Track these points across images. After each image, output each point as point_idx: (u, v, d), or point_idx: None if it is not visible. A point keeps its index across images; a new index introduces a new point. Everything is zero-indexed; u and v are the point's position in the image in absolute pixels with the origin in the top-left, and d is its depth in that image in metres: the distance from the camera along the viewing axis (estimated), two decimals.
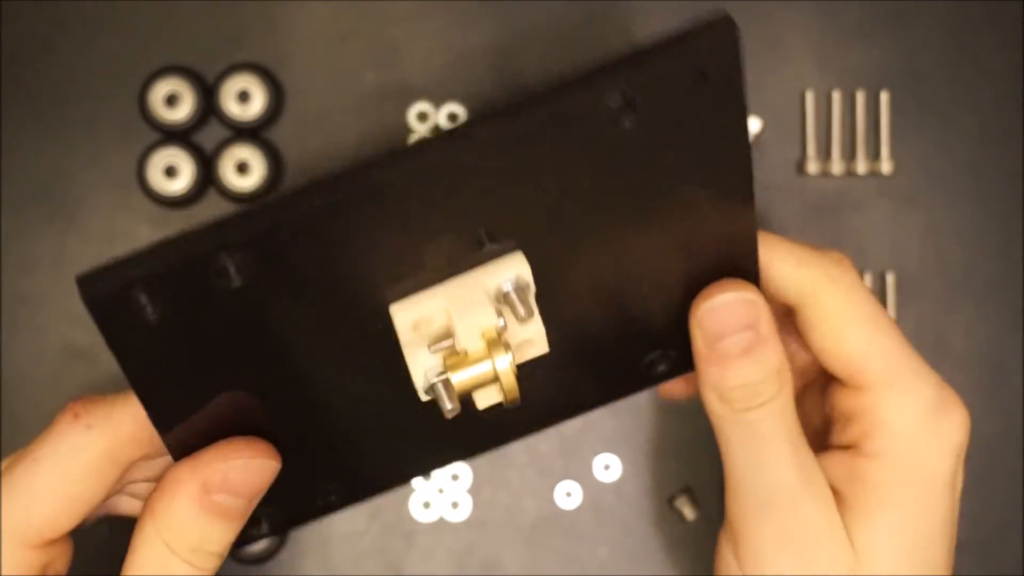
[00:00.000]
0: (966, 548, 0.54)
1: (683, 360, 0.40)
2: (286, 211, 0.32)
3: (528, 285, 0.35)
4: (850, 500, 0.39)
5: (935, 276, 0.55)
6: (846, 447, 0.40)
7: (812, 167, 0.54)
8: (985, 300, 0.55)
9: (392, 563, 0.54)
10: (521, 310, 0.34)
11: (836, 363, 0.40)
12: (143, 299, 0.32)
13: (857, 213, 0.55)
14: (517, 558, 0.54)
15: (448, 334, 0.35)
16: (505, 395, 0.35)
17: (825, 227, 0.55)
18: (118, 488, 0.39)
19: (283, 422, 0.37)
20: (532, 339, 0.37)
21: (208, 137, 0.54)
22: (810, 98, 0.55)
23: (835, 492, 0.40)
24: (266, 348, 0.35)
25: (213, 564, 0.36)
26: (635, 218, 0.36)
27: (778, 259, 0.39)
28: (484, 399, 0.37)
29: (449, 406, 0.35)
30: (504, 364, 0.35)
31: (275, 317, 0.34)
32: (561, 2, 0.54)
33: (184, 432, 0.36)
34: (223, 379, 0.35)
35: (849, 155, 0.55)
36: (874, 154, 0.55)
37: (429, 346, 0.35)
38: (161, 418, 0.35)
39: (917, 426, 0.39)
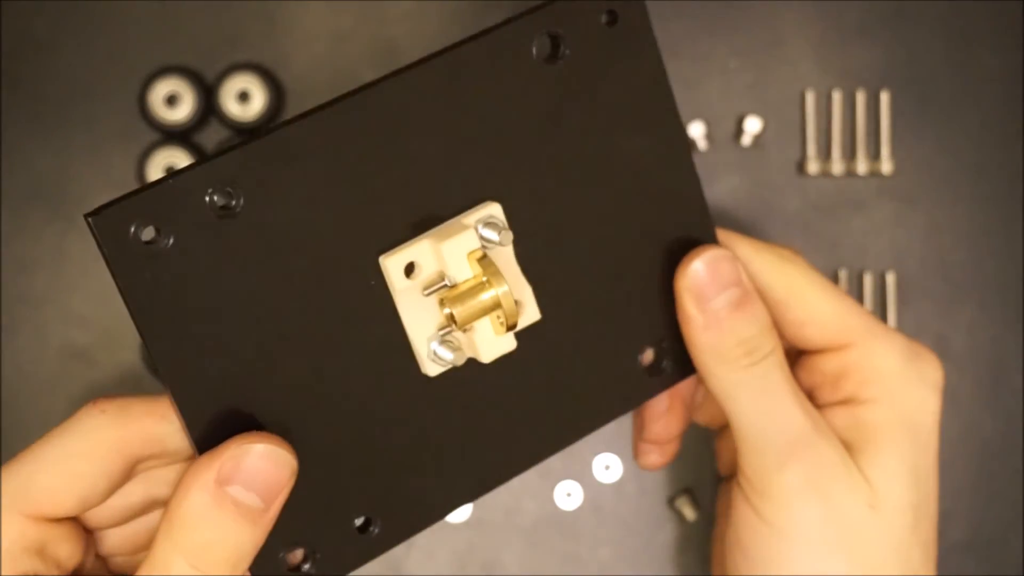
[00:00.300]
0: (966, 548, 0.54)
1: (679, 349, 0.41)
2: (268, 139, 0.35)
3: (503, 222, 0.37)
4: (857, 445, 0.42)
5: (935, 276, 0.55)
6: (842, 402, 0.42)
7: (812, 167, 0.54)
8: (985, 300, 0.55)
9: (392, 563, 0.54)
10: (497, 236, 0.36)
11: (816, 330, 0.42)
12: (149, 230, 0.33)
13: (857, 213, 0.55)
14: (517, 558, 0.54)
15: (440, 278, 0.37)
16: (506, 319, 0.36)
17: (825, 227, 0.55)
18: (144, 505, 0.39)
19: (301, 424, 0.36)
20: (522, 301, 0.38)
21: (208, 137, 0.54)
22: (810, 98, 0.55)
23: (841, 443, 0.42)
24: (269, 308, 0.35)
25: (220, 572, 0.34)
26: (592, 179, 0.39)
27: (737, 248, 0.42)
28: (488, 348, 0.37)
29: (452, 356, 0.36)
30: (502, 287, 0.36)
31: (272, 269, 0.35)
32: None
33: (206, 421, 0.35)
34: (232, 347, 0.35)
35: (849, 155, 0.55)
36: (874, 154, 0.55)
37: (424, 290, 0.36)
38: (178, 387, 0.35)
39: (904, 369, 0.42)
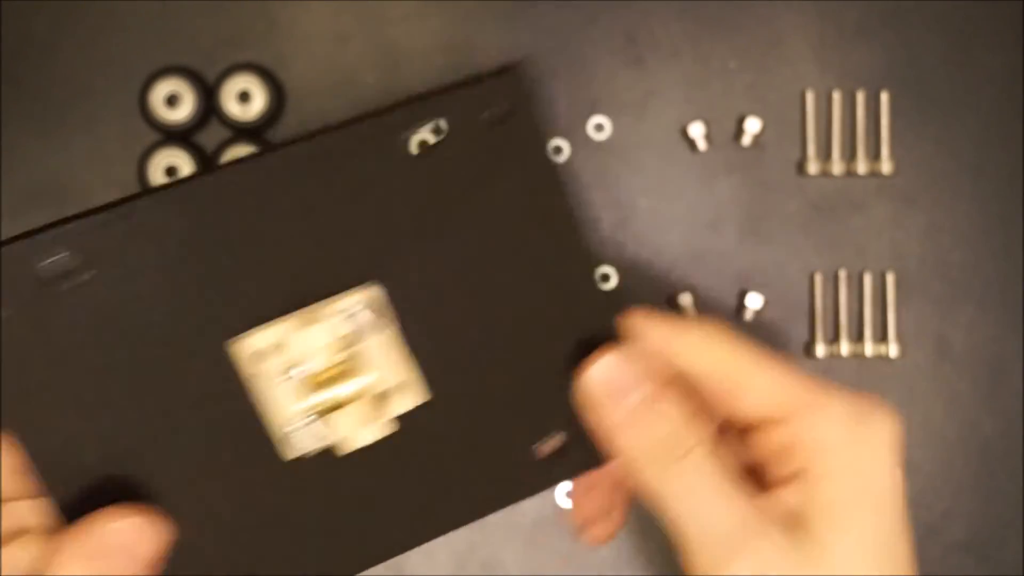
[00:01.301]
0: (966, 548, 0.54)
1: (582, 438, 0.40)
2: (117, 210, 0.34)
3: (383, 304, 0.35)
4: (813, 522, 0.39)
5: (935, 276, 0.55)
6: (794, 475, 0.40)
7: (812, 167, 0.55)
8: (985, 300, 0.55)
9: (393, 563, 0.53)
10: (371, 319, 0.35)
11: (751, 405, 0.40)
12: None
13: (857, 213, 0.55)
14: (517, 558, 0.54)
15: (302, 361, 0.35)
16: (370, 410, 0.35)
17: (825, 227, 0.55)
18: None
19: (167, 493, 0.36)
20: (407, 382, 0.36)
21: (208, 137, 0.54)
22: (810, 98, 0.55)
23: (795, 521, 0.39)
24: (120, 381, 0.34)
25: None
26: (486, 268, 0.37)
27: (655, 331, 0.40)
28: (351, 437, 0.36)
29: (308, 443, 0.35)
30: (368, 375, 0.35)
31: (122, 342, 0.34)
32: (563, 2, 0.54)
33: (71, 489, 0.34)
34: (83, 416, 0.34)
35: (849, 155, 0.55)
36: (874, 154, 0.55)
37: (282, 375, 0.35)
38: (34, 451, 0.34)
39: (848, 436, 0.39)
